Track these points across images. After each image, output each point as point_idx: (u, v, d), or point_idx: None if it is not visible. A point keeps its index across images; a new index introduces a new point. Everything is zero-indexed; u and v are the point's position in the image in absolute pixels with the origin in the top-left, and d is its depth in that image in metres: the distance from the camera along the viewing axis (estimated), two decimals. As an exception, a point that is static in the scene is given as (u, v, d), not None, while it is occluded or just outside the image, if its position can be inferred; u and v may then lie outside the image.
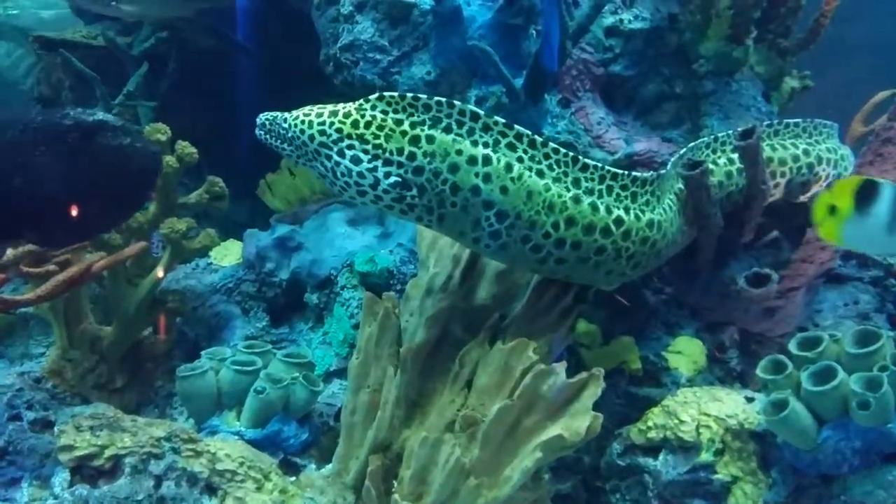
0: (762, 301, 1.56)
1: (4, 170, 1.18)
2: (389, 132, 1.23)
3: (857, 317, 1.71)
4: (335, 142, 1.24)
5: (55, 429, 1.20)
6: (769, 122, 1.61)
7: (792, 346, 1.28)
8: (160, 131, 1.72)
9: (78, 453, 1.17)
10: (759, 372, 1.29)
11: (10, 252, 1.20)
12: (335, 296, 1.87)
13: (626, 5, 1.72)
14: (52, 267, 1.26)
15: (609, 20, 1.70)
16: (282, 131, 1.28)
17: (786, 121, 1.62)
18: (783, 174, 1.59)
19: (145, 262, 1.84)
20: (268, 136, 1.31)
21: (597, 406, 1.56)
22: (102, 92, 2.22)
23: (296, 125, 1.26)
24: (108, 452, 1.18)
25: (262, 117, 1.31)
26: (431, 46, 1.71)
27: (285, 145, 1.29)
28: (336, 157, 1.24)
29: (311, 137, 1.25)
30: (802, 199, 1.66)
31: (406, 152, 1.23)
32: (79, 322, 1.77)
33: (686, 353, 1.68)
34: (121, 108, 2.21)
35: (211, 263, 2.13)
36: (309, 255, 1.92)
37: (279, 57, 2.20)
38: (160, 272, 1.75)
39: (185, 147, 1.75)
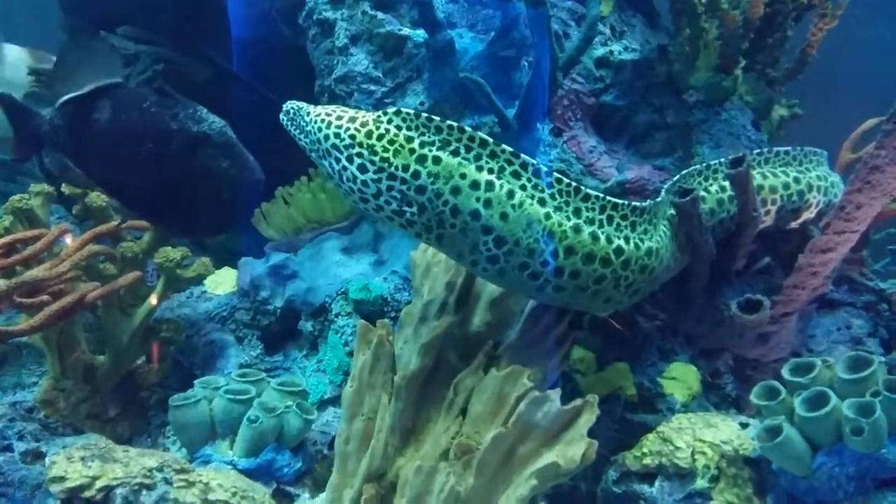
0: (756, 327, 1.57)
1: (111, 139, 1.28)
2: (399, 147, 1.25)
3: (851, 341, 1.72)
4: (346, 147, 1.27)
5: (46, 460, 1.19)
6: (759, 150, 1.63)
7: (785, 372, 1.29)
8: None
9: (69, 484, 1.15)
10: (752, 398, 1.29)
11: (2, 282, 1.20)
12: (329, 323, 1.87)
13: (616, 37, 1.75)
14: (45, 297, 1.26)
15: (599, 51, 1.73)
16: (302, 122, 1.33)
17: (776, 149, 1.64)
18: (774, 201, 1.61)
19: (139, 291, 1.84)
20: (289, 124, 1.36)
21: (592, 433, 1.55)
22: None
23: (315, 121, 1.31)
24: (99, 483, 1.17)
25: (289, 105, 1.36)
26: (425, 78, 1.73)
27: (302, 136, 1.34)
28: (344, 162, 1.27)
29: (326, 137, 1.29)
30: (793, 225, 1.67)
31: (411, 170, 1.25)
32: (72, 351, 1.77)
33: (681, 378, 1.68)
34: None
35: (205, 292, 2.13)
36: (303, 284, 1.92)
37: (275, 89, 2.23)
38: (154, 301, 1.75)
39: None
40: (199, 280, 1.87)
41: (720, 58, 1.73)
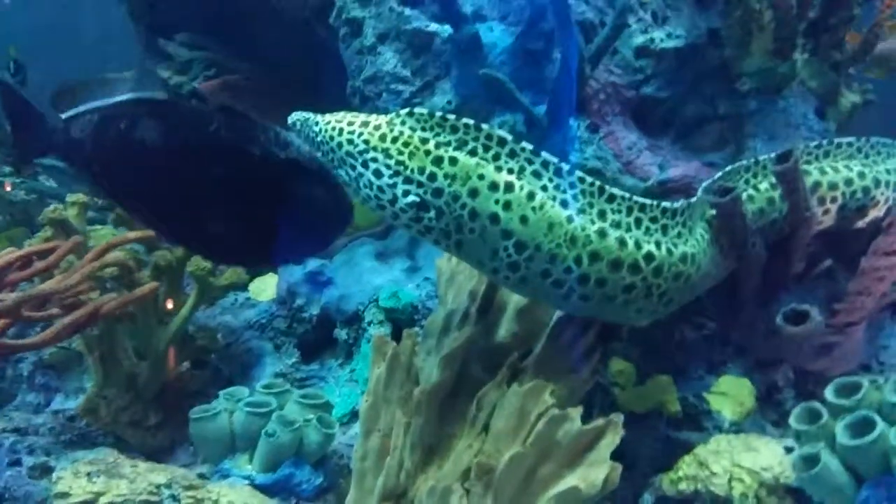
0: (810, 338, 1.42)
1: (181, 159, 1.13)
2: (414, 150, 1.19)
3: (929, 354, 1.54)
4: (361, 152, 1.21)
5: (54, 475, 1.20)
6: (818, 142, 1.46)
7: (828, 393, 1.14)
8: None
9: (73, 500, 1.15)
10: (791, 421, 1.15)
11: (12, 296, 1.22)
12: (362, 332, 1.83)
13: (659, 23, 1.63)
14: (54, 310, 1.27)
15: (639, 40, 1.61)
16: (311, 134, 1.27)
17: (837, 140, 1.47)
18: (834, 199, 1.44)
19: (178, 300, 1.85)
20: (304, 132, 1.28)
21: (633, 450, 1.45)
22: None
23: (326, 130, 1.25)
24: (102, 500, 1.16)
25: (294, 117, 1.29)
26: (453, 75, 1.66)
27: (313, 147, 1.27)
28: (360, 168, 1.22)
29: (339, 145, 1.23)
30: (860, 225, 1.50)
31: (427, 172, 1.18)
32: (115, 359, 1.80)
33: (731, 394, 1.54)
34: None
35: (249, 298, 2.13)
36: (337, 291, 1.89)
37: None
38: (170, 305, 1.75)
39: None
40: (231, 288, 1.86)
41: (775, 41, 1.58)
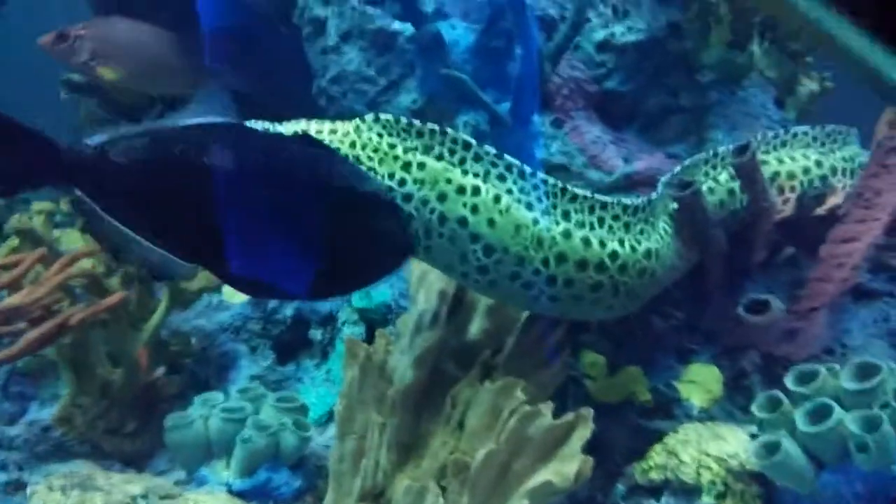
0: (775, 324, 1.45)
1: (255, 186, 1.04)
2: (383, 155, 1.19)
3: (889, 335, 1.58)
4: None
5: (27, 489, 1.20)
6: (774, 132, 1.50)
7: (789, 381, 1.18)
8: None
9: (48, 515, 1.16)
10: (753, 409, 1.19)
11: (-22, 313, 1.21)
12: (337, 332, 1.84)
13: (619, 18, 1.64)
14: (22, 325, 1.26)
15: (600, 34, 1.62)
16: None
17: (793, 129, 1.51)
18: (793, 188, 1.48)
19: (148, 305, 1.84)
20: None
21: (607, 441, 1.48)
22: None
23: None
24: (78, 513, 1.17)
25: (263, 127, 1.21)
26: (417, 74, 1.66)
27: None
28: None
29: None
30: (819, 212, 1.54)
31: (397, 177, 1.19)
32: (88, 366, 1.79)
33: (700, 381, 1.57)
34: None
35: (223, 301, 2.13)
36: (310, 292, 1.89)
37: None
38: (158, 315, 1.75)
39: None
40: (203, 292, 1.86)
41: (732, 32, 1.60)
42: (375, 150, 1.19)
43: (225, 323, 2.02)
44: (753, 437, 1.25)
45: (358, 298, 1.77)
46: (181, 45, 2.20)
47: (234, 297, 2.14)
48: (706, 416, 1.54)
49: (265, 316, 1.96)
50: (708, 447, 1.24)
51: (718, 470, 1.22)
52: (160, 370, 1.94)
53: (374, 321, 1.76)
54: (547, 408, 1.25)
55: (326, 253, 1.10)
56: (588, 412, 1.23)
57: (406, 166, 1.19)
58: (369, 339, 1.63)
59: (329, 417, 1.76)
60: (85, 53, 2.09)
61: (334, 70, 1.77)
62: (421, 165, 1.20)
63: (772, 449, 1.09)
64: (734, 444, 1.24)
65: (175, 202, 1.06)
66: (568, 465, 1.23)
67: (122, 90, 2.55)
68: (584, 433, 1.23)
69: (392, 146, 1.20)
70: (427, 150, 1.21)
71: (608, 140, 1.65)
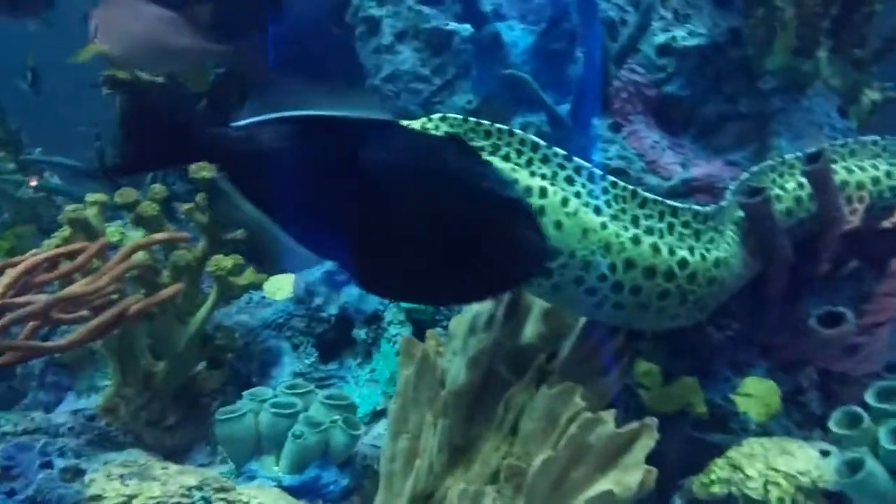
0: (839, 340, 1.41)
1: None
2: None
3: (955, 355, 1.54)
4: None
5: (85, 477, 1.19)
6: (843, 141, 1.46)
7: (869, 397, 1.14)
8: (205, 168, 1.73)
9: (106, 503, 1.15)
10: (831, 425, 1.15)
11: (42, 298, 1.21)
12: (382, 331, 1.83)
13: (680, 22, 1.62)
14: (84, 312, 1.26)
15: (660, 38, 1.60)
16: None
17: (862, 138, 1.47)
18: (861, 199, 1.44)
19: (195, 298, 1.84)
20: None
21: (660, 453, 1.45)
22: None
23: None
24: (135, 503, 1.16)
25: None
26: (473, 74, 1.65)
27: None
28: None
29: None
30: (886, 225, 1.50)
31: None
32: (133, 358, 1.79)
33: (757, 395, 1.53)
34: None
35: (264, 297, 2.12)
36: (356, 290, 1.88)
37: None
38: (206, 309, 1.75)
39: (232, 184, 1.75)
40: (252, 287, 1.85)
41: (798, 39, 1.57)
42: None
43: (268, 319, 2.02)
44: (823, 453, 1.22)
45: (407, 298, 1.76)
46: (183, 26, 2.19)
47: (276, 294, 2.13)
48: (762, 430, 1.51)
49: (309, 313, 1.95)
50: (776, 462, 1.20)
51: (787, 487, 1.18)
52: (201, 364, 1.94)
53: (422, 321, 1.74)
54: (609, 415, 1.22)
55: (465, 258, 1.07)
56: (653, 421, 1.20)
57: None
58: (417, 339, 1.61)
59: (373, 417, 1.75)
60: (91, 31, 2.10)
61: (388, 69, 1.76)
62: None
63: (854, 467, 1.05)
64: (804, 460, 1.20)
65: (317, 193, 1.02)
66: (630, 475, 1.20)
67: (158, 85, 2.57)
68: (647, 443, 1.20)
69: None
70: (495, 149, 1.18)
71: (666, 145, 1.62)
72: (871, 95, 1.78)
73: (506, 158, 1.18)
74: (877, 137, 1.48)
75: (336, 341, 1.94)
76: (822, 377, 1.59)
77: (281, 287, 2.14)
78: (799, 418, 1.58)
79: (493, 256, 1.05)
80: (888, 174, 1.44)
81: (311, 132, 0.99)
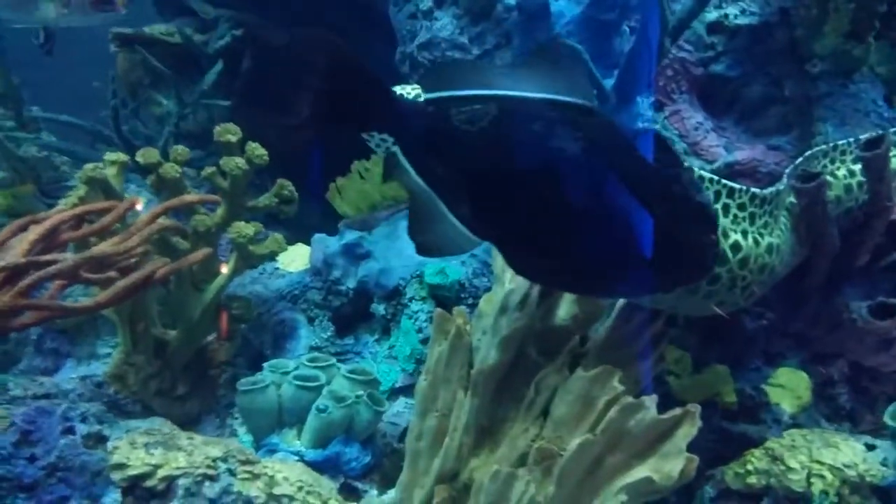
0: (881, 333, 1.37)
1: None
2: None
3: None
4: None
5: (108, 444, 1.14)
6: (894, 128, 1.42)
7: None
8: (231, 132, 1.67)
9: (131, 472, 1.10)
10: (887, 418, 1.11)
11: (69, 256, 1.15)
12: (403, 308, 1.78)
13: (732, -1, 1.56)
14: (113, 273, 1.20)
15: (712, 15, 1.54)
16: None
17: (914, 127, 1.43)
18: (912, 189, 1.40)
19: (212, 267, 1.78)
20: None
21: (689, 442, 1.41)
22: (177, 90, 2.19)
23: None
24: (161, 472, 1.11)
25: None
26: (515, 44, 1.59)
27: None
28: None
29: None
30: (931, 217, 1.46)
31: None
32: (144, 325, 1.73)
33: (789, 386, 1.50)
34: (194, 107, 2.18)
35: (278, 268, 2.07)
36: (377, 264, 1.83)
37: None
38: (224, 271, 1.69)
39: (256, 149, 1.69)
40: (272, 256, 1.80)
41: (852, 22, 1.51)
42: None
43: (283, 290, 1.96)
44: (869, 447, 1.18)
45: (432, 274, 1.71)
46: None
47: (290, 266, 2.08)
48: (793, 423, 1.47)
49: (326, 286, 1.90)
50: (821, 455, 1.17)
51: (832, 479, 1.15)
52: (212, 335, 1.88)
53: (447, 299, 1.69)
54: (651, 401, 1.18)
55: (642, 254, 1.02)
56: (696, 408, 1.17)
57: None
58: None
59: (391, 395, 1.71)
60: None
61: (424, 36, 1.70)
62: None
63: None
64: (849, 453, 1.17)
65: (504, 176, 0.98)
66: (671, 463, 1.16)
67: (173, 45, 2.49)
68: (690, 430, 1.16)
69: None
70: None
71: (710, 127, 1.57)
72: (917, 85, 1.73)
73: None
74: (929, 126, 1.43)
75: (353, 316, 1.89)
76: (852, 371, 1.55)
77: (295, 258, 2.09)
78: (828, 412, 1.55)
79: (670, 255, 1.02)
80: (941, 165, 1.40)
81: (511, 115, 0.96)
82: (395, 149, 0.98)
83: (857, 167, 1.35)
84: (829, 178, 1.34)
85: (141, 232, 1.23)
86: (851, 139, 1.38)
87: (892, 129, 1.41)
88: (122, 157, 1.60)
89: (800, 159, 1.30)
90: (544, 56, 1.06)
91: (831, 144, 1.37)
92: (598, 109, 1.04)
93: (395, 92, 0.97)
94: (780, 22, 1.60)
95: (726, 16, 1.54)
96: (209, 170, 1.67)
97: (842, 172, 1.36)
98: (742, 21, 1.55)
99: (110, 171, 1.56)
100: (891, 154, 1.35)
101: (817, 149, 1.36)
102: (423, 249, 1.09)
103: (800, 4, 1.56)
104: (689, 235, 1.05)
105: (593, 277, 1.09)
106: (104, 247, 1.17)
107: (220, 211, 1.71)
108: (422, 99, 0.98)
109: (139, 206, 1.45)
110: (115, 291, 1.16)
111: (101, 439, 1.13)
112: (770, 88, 1.63)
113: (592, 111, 1.01)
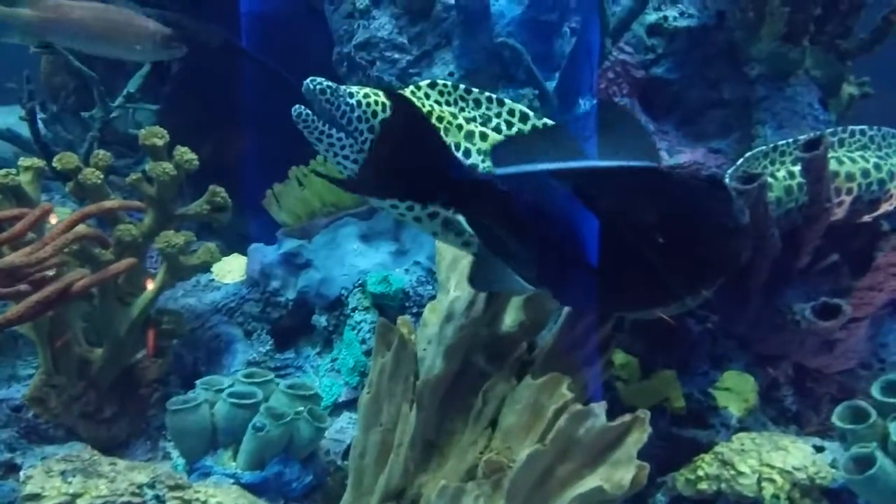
0: (824, 334, 1.38)
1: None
2: (447, 125, 1.10)
3: (927, 351, 1.53)
4: None
5: (21, 473, 1.04)
6: (832, 130, 1.43)
7: (875, 391, 1.11)
8: (157, 135, 1.58)
9: (46, 503, 1.01)
10: (835, 419, 1.11)
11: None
12: (345, 318, 1.71)
13: (671, 1, 1.56)
14: (23, 287, 1.10)
15: (652, 17, 1.54)
16: (344, 106, 1.06)
17: (851, 128, 1.44)
18: (850, 190, 1.41)
19: (139, 280, 1.68)
20: (328, 104, 1.06)
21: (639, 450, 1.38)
22: (101, 93, 2.08)
23: (367, 105, 1.06)
24: (80, 502, 1.02)
25: (318, 82, 1.05)
26: (455, 45, 1.55)
27: (341, 123, 1.07)
28: None
29: (381, 122, 1.06)
30: (866, 219, 1.48)
31: (462, 148, 1.10)
32: (65, 344, 1.62)
33: (735, 389, 1.50)
34: (121, 111, 2.07)
35: (213, 280, 1.97)
36: (317, 274, 1.76)
37: (288, 57, 2.06)
38: (150, 286, 1.59)
39: (185, 153, 1.60)
40: (204, 268, 1.71)
41: (788, 25, 1.53)
42: (440, 119, 1.10)
43: (218, 303, 1.87)
44: (818, 449, 1.18)
45: (375, 283, 1.65)
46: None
47: (226, 277, 1.99)
48: (741, 426, 1.47)
49: (264, 298, 1.82)
50: (770, 458, 1.16)
51: (783, 483, 1.14)
52: (142, 352, 1.78)
53: (390, 308, 1.64)
54: (600, 408, 1.15)
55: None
56: (645, 414, 1.14)
57: (469, 136, 1.11)
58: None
59: (334, 410, 1.64)
60: None
61: (362, 36, 1.65)
62: (483, 136, 1.12)
63: (864, 463, 1.01)
64: (799, 456, 1.16)
65: (573, 244, 1.05)
66: (621, 471, 1.13)
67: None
68: (640, 437, 1.14)
69: (454, 115, 1.12)
70: (486, 120, 1.13)
71: (651, 131, 1.56)
72: (849, 89, 1.77)
73: (497, 130, 1.14)
74: (864, 128, 1.45)
75: (293, 328, 1.81)
76: (796, 373, 1.56)
77: (231, 269, 2.00)
78: (773, 413, 1.55)
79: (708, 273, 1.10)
80: (877, 167, 1.42)
81: (578, 190, 1.00)
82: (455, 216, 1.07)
83: (797, 168, 1.35)
84: (770, 179, 1.35)
85: (55, 241, 1.14)
86: (791, 140, 1.38)
87: (830, 131, 1.42)
88: (37, 162, 1.50)
89: (741, 160, 1.29)
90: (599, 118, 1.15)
91: (771, 145, 1.37)
92: (662, 170, 1.14)
93: (468, 169, 1.05)
94: (717, 25, 1.61)
95: (665, 18, 1.55)
96: (134, 176, 1.58)
97: (782, 174, 1.37)
98: (681, 24, 1.56)
99: (24, 178, 1.46)
100: (829, 155, 1.37)
101: (758, 150, 1.36)
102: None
103: (736, 7, 1.57)
104: (736, 256, 1.14)
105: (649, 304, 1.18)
106: (14, 257, 1.08)
107: (147, 220, 1.62)
108: (491, 173, 1.06)
109: (53, 220, 1.35)
110: (26, 306, 1.06)
111: (12, 468, 1.03)
112: (709, 92, 1.65)
113: (657, 171, 1.10)
